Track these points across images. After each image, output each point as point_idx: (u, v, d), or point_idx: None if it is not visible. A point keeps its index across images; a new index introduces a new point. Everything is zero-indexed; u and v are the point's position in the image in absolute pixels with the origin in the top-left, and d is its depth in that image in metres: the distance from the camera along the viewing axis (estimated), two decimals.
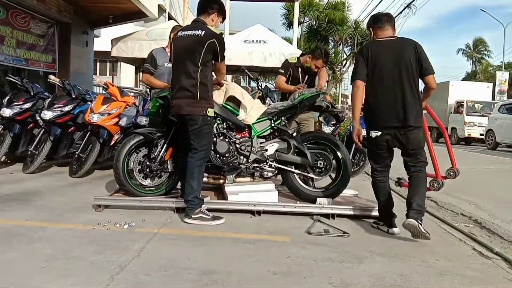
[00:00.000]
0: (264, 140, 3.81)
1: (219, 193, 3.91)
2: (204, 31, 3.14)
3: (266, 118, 3.80)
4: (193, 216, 3.14)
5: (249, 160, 3.69)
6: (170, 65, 4.37)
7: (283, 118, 3.86)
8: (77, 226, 2.92)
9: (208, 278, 2.12)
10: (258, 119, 3.77)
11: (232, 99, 3.70)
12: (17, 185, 4.31)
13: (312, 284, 2.13)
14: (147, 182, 3.66)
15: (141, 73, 13.84)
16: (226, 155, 3.65)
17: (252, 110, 3.74)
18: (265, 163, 3.73)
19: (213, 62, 3.23)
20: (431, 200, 4.50)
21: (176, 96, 3.20)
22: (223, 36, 3.24)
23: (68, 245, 2.51)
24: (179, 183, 3.68)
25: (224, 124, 3.67)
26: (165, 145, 3.58)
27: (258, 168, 3.75)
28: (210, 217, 3.16)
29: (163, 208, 3.47)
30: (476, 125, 15.18)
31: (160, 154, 3.57)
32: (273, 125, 3.82)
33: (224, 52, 3.22)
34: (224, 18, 3.41)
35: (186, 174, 3.41)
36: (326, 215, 3.44)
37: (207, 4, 3.28)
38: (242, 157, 3.70)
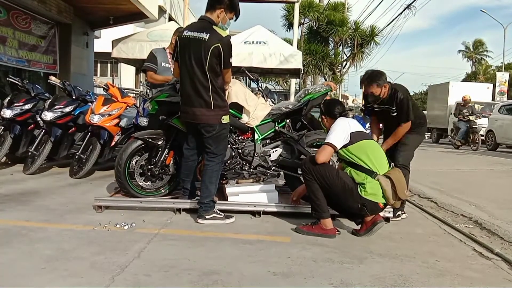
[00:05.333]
0: (268, 142, 3.78)
1: (220, 193, 3.91)
2: (208, 34, 2.98)
3: (270, 120, 3.73)
4: (207, 217, 3.17)
5: (252, 166, 3.68)
6: (168, 65, 4.39)
7: (287, 121, 3.80)
8: (78, 227, 2.92)
9: (208, 279, 2.12)
10: (262, 121, 3.69)
11: (235, 103, 3.64)
12: (18, 185, 4.31)
13: (312, 285, 2.13)
14: (148, 184, 3.66)
15: (141, 74, 13.88)
16: (229, 161, 3.63)
17: (256, 111, 3.64)
18: (268, 169, 3.71)
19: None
20: (431, 201, 4.51)
21: (188, 103, 3.12)
22: (230, 38, 3.06)
23: (69, 245, 2.52)
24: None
25: None
26: (166, 149, 3.58)
27: (260, 173, 3.74)
28: (222, 216, 3.21)
29: (164, 209, 3.48)
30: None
31: (161, 159, 3.57)
32: (277, 128, 3.74)
33: (230, 58, 3.06)
34: (236, 15, 3.17)
35: (187, 177, 3.42)
36: None
37: None
38: (244, 163, 3.69)
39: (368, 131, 5.78)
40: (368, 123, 5.87)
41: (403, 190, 2.88)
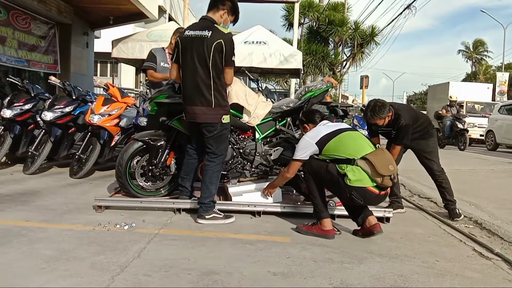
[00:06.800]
0: (269, 141, 3.77)
1: (222, 193, 3.91)
2: (211, 32, 3.01)
3: (271, 119, 3.73)
4: (206, 217, 3.17)
5: (253, 165, 3.68)
6: (167, 65, 4.39)
7: (288, 119, 3.80)
8: (78, 227, 2.92)
9: (208, 279, 2.12)
10: (262, 120, 3.68)
11: (236, 103, 3.63)
12: (18, 185, 4.31)
13: (312, 285, 2.13)
14: (148, 184, 3.66)
15: (141, 74, 13.86)
16: (230, 161, 3.62)
17: (256, 110, 3.62)
18: (269, 168, 3.70)
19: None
20: (431, 201, 4.51)
21: (189, 102, 3.12)
22: (232, 36, 3.08)
23: (69, 245, 2.52)
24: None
25: None
26: (167, 150, 3.58)
27: (261, 173, 3.74)
28: (222, 216, 3.21)
29: (164, 209, 3.48)
30: (476, 126, 15.14)
31: (162, 160, 3.57)
32: (278, 126, 3.74)
33: (231, 56, 3.06)
34: (236, 19, 3.23)
35: (187, 175, 3.41)
36: None
37: (219, 0, 3.11)
38: (246, 162, 3.68)
39: (368, 131, 5.79)
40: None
41: (384, 166, 2.81)
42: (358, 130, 5.72)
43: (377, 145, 3.07)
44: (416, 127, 3.64)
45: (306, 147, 3.02)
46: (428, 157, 3.77)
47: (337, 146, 2.94)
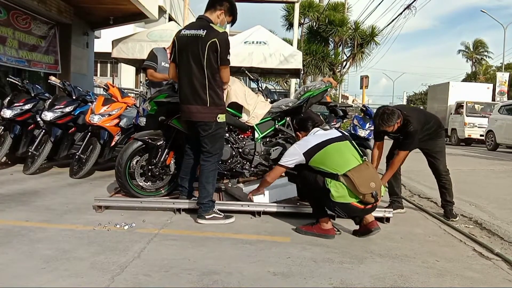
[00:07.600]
0: (268, 141, 3.78)
1: (219, 193, 3.92)
2: (206, 31, 3.01)
3: (270, 118, 3.73)
4: (206, 217, 3.17)
5: (253, 165, 3.68)
6: (167, 65, 4.38)
7: (287, 119, 3.80)
8: (78, 227, 2.92)
9: (209, 279, 2.12)
10: (261, 119, 3.68)
11: (235, 102, 3.63)
12: (18, 185, 4.31)
13: (312, 285, 2.13)
14: (148, 184, 3.66)
15: (141, 74, 13.86)
16: (229, 161, 3.62)
17: (255, 109, 3.62)
18: (268, 168, 3.71)
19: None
20: (431, 201, 4.50)
21: (185, 101, 3.12)
22: (227, 35, 3.07)
23: (69, 245, 2.52)
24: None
25: (227, 128, 3.62)
26: (166, 149, 3.58)
27: (261, 172, 3.74)
28: (222, 216, 3.21)
29: (164, 209, 3.48)
30: (476, 126, 15.16)
31: (162, 159, 3.57)
32: (277, 126, 3.75)
33: (227, 55, 3.04)
34: (233, 20, 3.24)
35: (186, 175, 3.41)
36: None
37: (217, 0, 3.11)
38: (245, 162, 3.68)
39: (367, 132, 5.79)
40: (368, 124, 5.85)
41: (365, 184, 2.79)
42: (357, 131, 5.77)
43: (364, 157, 3.02)
44: (426, 129, 3.63)
45: (293, 155, 3.04)
46: (435, 156, 3.77)
47: (323, 159, 2.92)
